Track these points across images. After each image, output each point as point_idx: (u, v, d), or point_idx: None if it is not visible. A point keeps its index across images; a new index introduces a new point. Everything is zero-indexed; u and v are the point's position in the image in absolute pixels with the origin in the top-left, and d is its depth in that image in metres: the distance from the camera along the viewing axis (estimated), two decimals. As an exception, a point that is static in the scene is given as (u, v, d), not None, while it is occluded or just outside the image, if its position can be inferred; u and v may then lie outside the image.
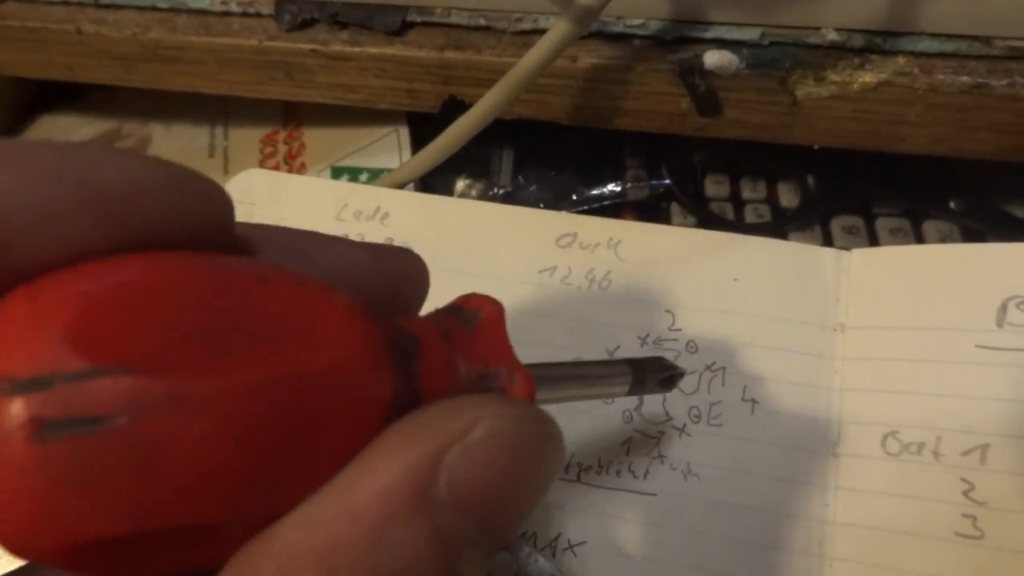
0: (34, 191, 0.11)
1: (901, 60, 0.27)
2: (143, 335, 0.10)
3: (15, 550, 0.10)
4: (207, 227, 0.12)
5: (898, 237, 0.33)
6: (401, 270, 0.16)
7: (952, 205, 0.33)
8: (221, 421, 0.10)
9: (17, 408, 0.09)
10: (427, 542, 0.11)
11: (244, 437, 0.10)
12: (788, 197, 0.35)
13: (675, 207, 0.35)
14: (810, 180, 0.34)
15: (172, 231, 0.12)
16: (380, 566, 0.11)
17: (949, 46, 0.26)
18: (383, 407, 0.12)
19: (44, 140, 0.12)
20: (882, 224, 0.33)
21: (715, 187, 0.35)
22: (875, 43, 0.27)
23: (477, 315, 0.15)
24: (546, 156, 0.36)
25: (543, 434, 0.13)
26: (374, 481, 0.11)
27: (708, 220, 0.34)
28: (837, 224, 0.34)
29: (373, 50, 0.31)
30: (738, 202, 0.35)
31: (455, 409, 0.12)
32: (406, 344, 0.13)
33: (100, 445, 0.09)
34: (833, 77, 0.27)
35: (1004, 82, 0.26)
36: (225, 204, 0.13)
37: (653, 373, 0.21)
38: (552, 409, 0.27)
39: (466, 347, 0.14)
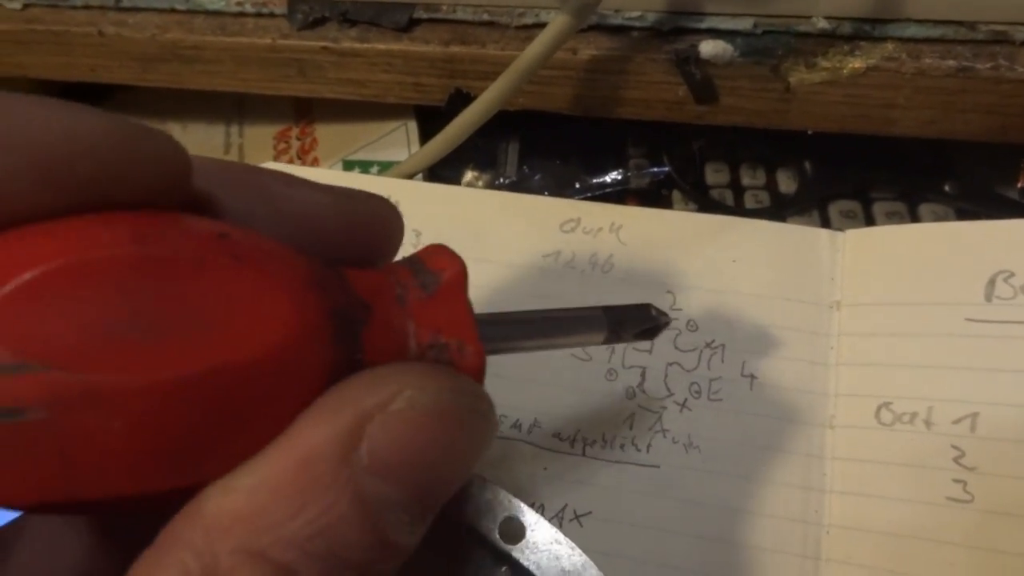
0: None
1: (889, 46, 0.28)
2: (66, 328, 0.10)
3: None
4: (160, 185, 0.12)
5: (895, 220, 0.34)
6: (368, 217, 0.16)
7: (947, 188, 0.34)
8: (137, 416, 0.10)
9: None
10: (349, 506, 0.11)
11: (163, 429, 0.11)
12: (787, 183, 0.36)
13: (676, 194, 0.36)
14: (808, 166, 0.35)
15: (120, 190, 0.11)
16: (302, 531, 0.11)
17: (935, 31, 0.27)
18: (321, 382, 0.12)
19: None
20: (879, 208, 0.34)
21: (715, 174, 0.36)
22: (864, 30, 0.28)
23: (438, 277, 0.15)
24: (550, 146, 0.37)
25: (469, 407, 0.13)
26: (295, 450, 0.11)
27: (708, 206, 0.35)
28: (835, 208, 0.35)
29: (381, 46, 0.32)
30: (738, 189, 0.36)
31: (378, 379, 0.12)
32: (354, 313, 0.13)
33: (19, 433, 0.10)
34: (824, 63, 0.28)
35: (988, 65, 0.27)
36: (179, 160, 0.12)
37: (632, 325, 0.20)
38: (546, 383, 0.27)
39: (420, 313, 0.14)
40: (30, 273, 0.10)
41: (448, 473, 0.13)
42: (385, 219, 0.16)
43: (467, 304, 0.15)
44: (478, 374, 0.14)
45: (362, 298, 0.13)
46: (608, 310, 0.19)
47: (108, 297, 0.11)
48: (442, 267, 0.15)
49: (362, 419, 0.12)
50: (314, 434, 0.12)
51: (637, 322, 0.20)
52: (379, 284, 0.14)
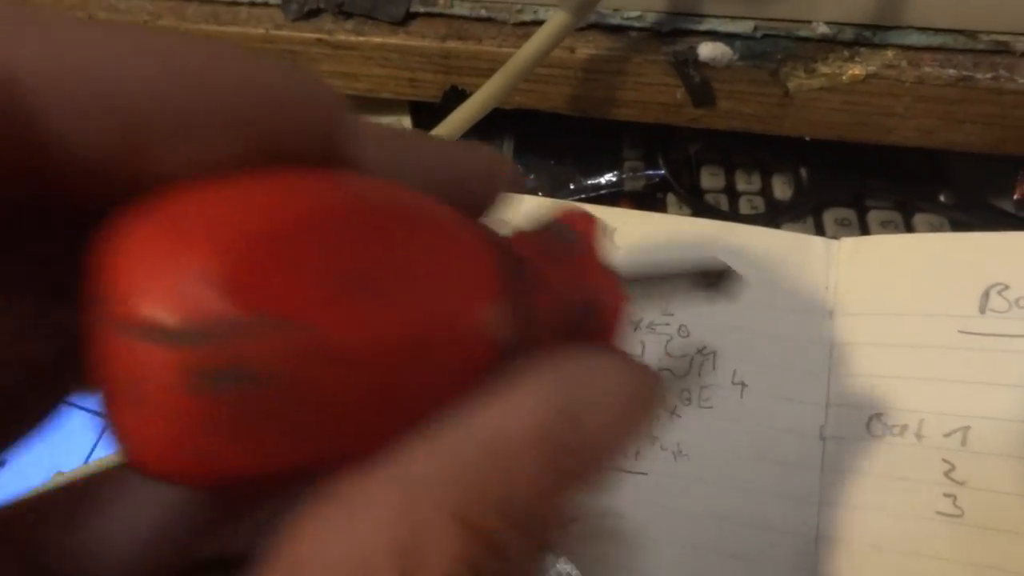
0: (171, 92, 0.10)
1: (889, 53, 0.27)
2: (296, 280, 0.10)
3: (162, 479, 0.10)
4: (329, 139, 0.11)
5: (889, 230, 0.33)
6: (489, 168, 0.15)
7: (942, 199, 0.33)
8: (373, 372, 0.10)
9: (175, 360, 0.09)
10: (551, 482, 0.11)
11: (390, 384, 0.10)
12: (782, 189, 0.35)
13: (671, 198, 0.36)
14: (804, 173, 0.35)
15: (296, 143, 0.11)
16: (508, 501, 0.10)
17: (936, 40, 0.27)
18: (501, 337, 0.12)
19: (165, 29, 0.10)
20: (874, 217, 0.34)
21: (711, 179, 0.36)
22: (864, 36, 0.28)
23: (577, 234, 0.14)
24: (545, 147, 0.37)
25: (656, 392, 0.13)
26: (514, 417, 0.11)
27: (703, 211, 0.34)
28: (830, 216, 0.34)
29: (377, 40, 0.32)
30: (733, 194, 0.36)
31: (590, 358, 0.12)
32: (518, 270, 0.13)
33: (257, 398, 0.09)
34: (823, 69, 0.27)
35: (989, 75, 0.26)
36: (347, 114, 0.12)
37: (715, 278, 0.19)
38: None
39: (569, 271, 0.14)
40: (254, 225, 0.10)
41: (616, 454, 0.12)
42: (500, 170, 0.15)
43: (605, 260, 0.15)
44: (623, 327, 0.15)
45: (518, 253, 0.13)
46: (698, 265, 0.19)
47: (336, 250, 0.10)
48: (576, 224, 0.15)
49: (577, 397, 0.11)
50: (532, 403, 0.11)
51: (718, 276, 0.19)
52: (529, 243, 0.14)
